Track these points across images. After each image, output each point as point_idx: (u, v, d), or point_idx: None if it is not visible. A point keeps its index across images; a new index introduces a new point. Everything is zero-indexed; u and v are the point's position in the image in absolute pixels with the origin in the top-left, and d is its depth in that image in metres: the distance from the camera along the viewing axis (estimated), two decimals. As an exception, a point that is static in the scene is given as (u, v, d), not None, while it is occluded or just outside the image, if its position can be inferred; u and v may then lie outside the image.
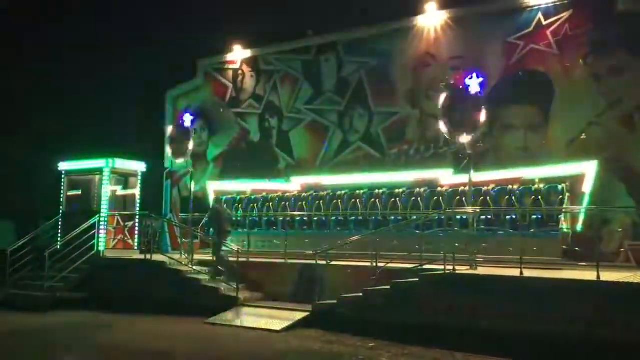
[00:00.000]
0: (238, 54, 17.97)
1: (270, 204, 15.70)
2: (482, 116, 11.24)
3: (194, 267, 13.23)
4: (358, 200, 14.31)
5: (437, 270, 10.10)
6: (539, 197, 12.04)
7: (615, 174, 11.97)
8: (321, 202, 14.85)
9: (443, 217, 12.23)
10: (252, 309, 11.95)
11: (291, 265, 12.74)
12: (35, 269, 14.21)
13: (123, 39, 21.83)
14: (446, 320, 9.55)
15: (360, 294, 10.66)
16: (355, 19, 16.14)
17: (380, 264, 10.91)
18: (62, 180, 16.44)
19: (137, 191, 16.69)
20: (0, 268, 14.17)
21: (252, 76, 17.81)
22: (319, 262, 11.54)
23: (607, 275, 8.70)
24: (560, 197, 11.97)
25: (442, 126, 11.52)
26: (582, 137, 12.49)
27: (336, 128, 16.01)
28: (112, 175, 15.93)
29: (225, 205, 14.95)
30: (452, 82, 11.49)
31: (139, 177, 16.74)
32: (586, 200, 12.13)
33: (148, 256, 13.57)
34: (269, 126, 17.29)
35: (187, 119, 15.25)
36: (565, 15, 12.92)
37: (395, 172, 14.57)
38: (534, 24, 13.26)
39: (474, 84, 11.14)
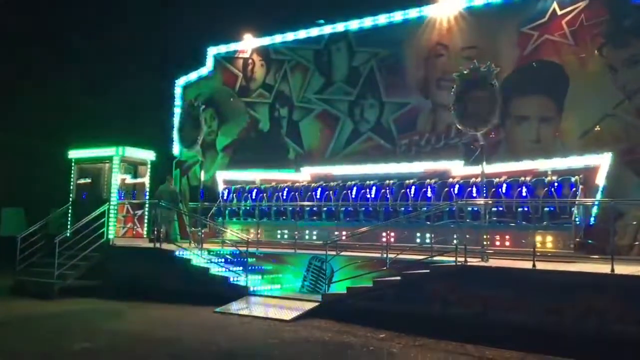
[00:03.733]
0: (248, 43, 17.87)
1: (280, 193, 15.64)
2: (495, 107, 11.13)
3: (203, 256, 13.23)
4: (368, 191, 14.23)
5: (448, 262, 10.04)
6: (552, 189, 11.91)
7: (630, 166, 11.82)
8: (331, 192, 14.77)
9: (454, 209, 12.13)
10: (261, 298, 11.95)
11: (301, 255, 12.72)
12: (45, 256, 14.24)
13: (133, 27, 21.82)
14: (457, 312, 9.52)
15: (371, 285, 10.63)
16: (367, 8, 15.98)
17: (390, 255, 10.86)
18: (72, 168, 16.46)
19: (146, 180, 16.70)
20: (11, 255, 14.23)
21: (262, 65, 17.71)
22: (329, 252, 11.52)
23: (622, 269, 8.62)
24: (574, 189, 11.84)
25: (454, 117, 11.43)
26: (596, 129, 12.32)
27: (347, 118, 15.91)
28: (121, 164, 15.94)
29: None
30: (465, 73, 11.38)
31: (149, 166, 16.76)
32: (600, 192, 11.99)
33: (157, 245, 13.58)
34: (279, 116, 17.21)
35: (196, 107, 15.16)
36: (580, 5, 12.73)
37: (406, 163, 14.46)
38: (548, 14, 13.07)
39: (486, 75, 11.02)
